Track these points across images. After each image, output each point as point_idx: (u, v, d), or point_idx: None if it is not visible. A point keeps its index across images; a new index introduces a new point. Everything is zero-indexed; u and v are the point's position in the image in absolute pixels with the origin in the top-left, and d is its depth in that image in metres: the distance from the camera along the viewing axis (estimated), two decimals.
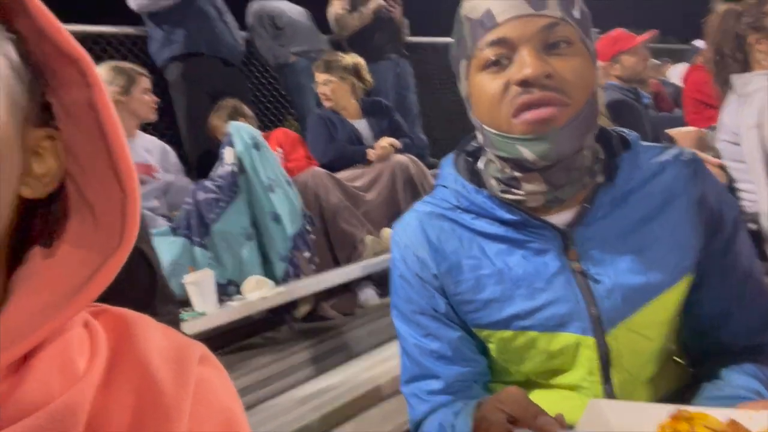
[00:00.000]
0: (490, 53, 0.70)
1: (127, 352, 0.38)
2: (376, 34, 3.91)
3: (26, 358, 0.33)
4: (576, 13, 0.71)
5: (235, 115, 2.90)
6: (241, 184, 2.22)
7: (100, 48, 3.35)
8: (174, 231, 2.13)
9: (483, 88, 0.72)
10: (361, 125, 2.94)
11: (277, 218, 2.21)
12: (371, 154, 2.75)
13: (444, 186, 0.83)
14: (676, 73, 5.19)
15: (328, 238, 2.52)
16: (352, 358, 1.95)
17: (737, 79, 1.81)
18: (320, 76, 2.92)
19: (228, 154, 2.24)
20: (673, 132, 3.06)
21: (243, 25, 3.64)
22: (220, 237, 2.13)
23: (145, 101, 2.49)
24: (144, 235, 1.14)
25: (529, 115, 0.68)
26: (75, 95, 0.36)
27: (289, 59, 3.55)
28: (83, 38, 3.26)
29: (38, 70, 0.37)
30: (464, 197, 0.79)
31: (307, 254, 2.29)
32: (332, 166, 2.75)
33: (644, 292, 0.73)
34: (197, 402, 0.38)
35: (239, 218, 2.18)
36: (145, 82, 2.52)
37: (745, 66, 1.81)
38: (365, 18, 3.84)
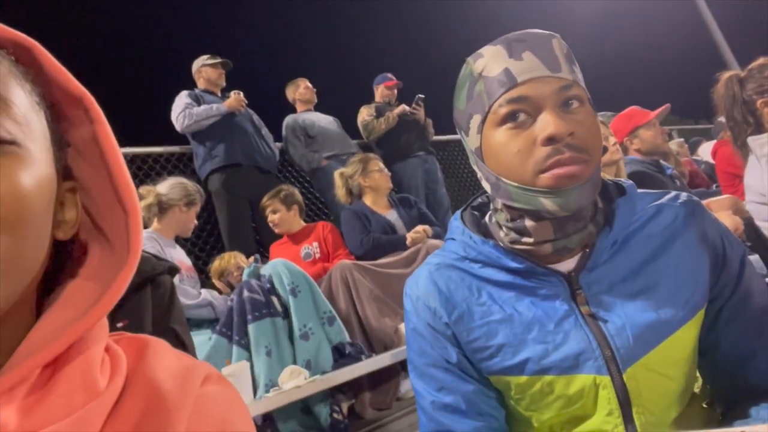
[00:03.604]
0: (509, 109, 0.72)
1: (141, 368, 0.43)
2: (403, 136, 4.15)
3: (52, 374, 0.38)
4: (580, 76, 0.75)
5: (288, 200, 3.06)
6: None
7: (147, 167, 3.67)
8: (212, 328, 2.18)
9: (504, 143, 0.74)
10: (393, 216, 3.04)
11: (308, 365, 2.17)
12: (408, 237, 2.81)
13: (452, 239, 0.87)
14: (707, 151, 5.20)
15: (364, 329, 2.52)
16: None
17: (753, 142, 1.83)
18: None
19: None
20: (707, 201, 3.02)
21: (278, 137, 3.95)
22: (255, 338, 2.13)
23: (192, 223, 2.74)
24: (183, 321, 1.19)
25: (559, 171, 0.70)
26: (82, 132, 0.43)
27: (321, 163, 3.78)
28: (133, 158, 3.60)
29: (55, 119, 0.43)
30: (472, 248, 0.82)
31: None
32: (369, 256, 2.80)
33: (657, 329, 0.73)
34: (196, 411, 0.42)
35: (265, 334, 2.16)
36: (198, 208, 2.78)
37: (759, 128, 1.84)
38: (391, 122, 4.11)
